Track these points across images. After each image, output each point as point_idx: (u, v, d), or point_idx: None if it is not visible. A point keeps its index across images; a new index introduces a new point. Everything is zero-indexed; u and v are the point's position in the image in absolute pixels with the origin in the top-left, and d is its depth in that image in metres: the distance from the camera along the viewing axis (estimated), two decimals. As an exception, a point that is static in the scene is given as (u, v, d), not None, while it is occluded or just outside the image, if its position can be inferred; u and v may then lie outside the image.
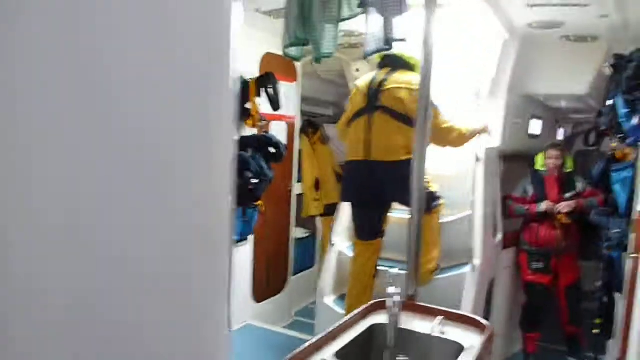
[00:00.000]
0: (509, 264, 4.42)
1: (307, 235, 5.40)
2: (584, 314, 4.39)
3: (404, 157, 3.17)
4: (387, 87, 3.41)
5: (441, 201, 3.46)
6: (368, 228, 3.46)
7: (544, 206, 4.21)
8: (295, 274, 5.09)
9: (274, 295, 4.75)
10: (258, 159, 3.89)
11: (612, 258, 3.51)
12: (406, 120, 3.27)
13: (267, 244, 4.60)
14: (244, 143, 3.97)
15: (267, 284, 4.64)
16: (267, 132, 4.20)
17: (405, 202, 2.77)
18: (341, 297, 3.82)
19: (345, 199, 3.76)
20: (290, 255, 4.94)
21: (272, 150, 3.99)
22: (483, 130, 3.63)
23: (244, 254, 4.22)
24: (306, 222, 5.44)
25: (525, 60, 3.90)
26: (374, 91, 3.45)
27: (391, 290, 1.48)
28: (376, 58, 3.51)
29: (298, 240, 5.21)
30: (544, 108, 4.74)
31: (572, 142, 5.89)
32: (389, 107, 3.37)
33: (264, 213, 4.22)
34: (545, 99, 4.50)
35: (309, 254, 5.50)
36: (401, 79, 3.40)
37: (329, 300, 3.76)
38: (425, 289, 3.37)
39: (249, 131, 4.13)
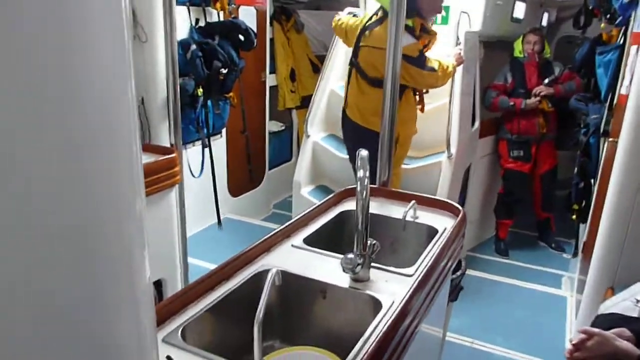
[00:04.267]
0: (486, 153, 4.40)
1: (283, 128, 5.28)
2: (556, 201, 4.49)
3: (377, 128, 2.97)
4: (364, 44, 3.14)
5: None
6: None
7: (529, 103, 4.10)
8: (272, 167, 5.05)
9: (252, 189, 4.73)
10: (226, 47, 3.65)
11: (590, 144, 3.49)
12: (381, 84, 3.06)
13: (242, 138, 4.49)
14: (211, 30, 3.70)
15: (243, 178, 4.60)
16: (235, 17, 3.91)
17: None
18: (317, 188, 3.80)
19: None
20: (266, 149, 4.86)
21: (241, 37, 3.74)
22: (459, 62, 3.33)
23: (219, 149, 4.12)
24: (282, 115, 5.30)
25: None
26: (357, 45, 3.19)
27: (360, 173, 1.40)
28: None
29: (274, 133, 5.11)
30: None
31: (556, 28, 5.68)
32: (363, 68, 3.14)
33: (236, 105, 4.06)
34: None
35: (286, 148, 5.43)
36: (383, 36, 2.93)
37: (305, 191, 3.74)
38: (402, 177, 3.36)
39: (216, 17, 3.86)
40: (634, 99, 2.35)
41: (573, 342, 1.77)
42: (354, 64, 3.23)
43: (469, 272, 3.86)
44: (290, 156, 5.41)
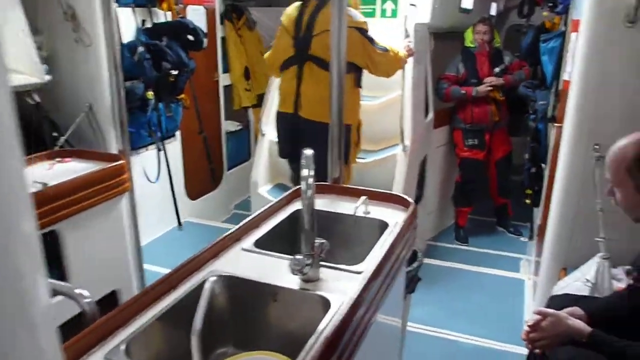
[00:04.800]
0: (441, 143, 4.46)
1: (240, 128, 5.23)
2: (512, 186, 4.59)
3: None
4: (317, 32, 3.00)
5: None
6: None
7: (480, 90, 4.16)
8: (231, 167, 5.00)
9: (210, 191, 4.67)
10: (175, 48, 3.58)
11: (539, 130, 3.58)
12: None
13: (199, 139, 4.42)
14: (158, 31, 3.63)
15: (201, 180, 4.53)
16: (183, 17, 3.84)
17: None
18: (276, 187, 3.78)
19: (281, 155, 3.38)
20: (223, 150, 4.80)
21: (190, 37, 3.67)
22: (409, 54, 3.32)
23: (174, 152, 4.04)
24: (238, 114, 5.25)
25: None
26: (303, 37, 3.05)
27: (304, 172, 1.39)
28: None
29: (231, 133, 5.05)
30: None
31: (505, 17, 5.80)
32: (320, 57, 2.98)
33: (189, 107, 3.99)
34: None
35: (244, 147, 5.37)
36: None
37: (263, 190, 3.71)
38: (357, 172, 3.37)
39: (164, 17, 3.78)
40: (576, 84, 2.41)
41: (528, 324, 1.82)
42: (306, 58, 3.08)
43: (430, 261, 3.91)
44: (248, 155, 5.35)
